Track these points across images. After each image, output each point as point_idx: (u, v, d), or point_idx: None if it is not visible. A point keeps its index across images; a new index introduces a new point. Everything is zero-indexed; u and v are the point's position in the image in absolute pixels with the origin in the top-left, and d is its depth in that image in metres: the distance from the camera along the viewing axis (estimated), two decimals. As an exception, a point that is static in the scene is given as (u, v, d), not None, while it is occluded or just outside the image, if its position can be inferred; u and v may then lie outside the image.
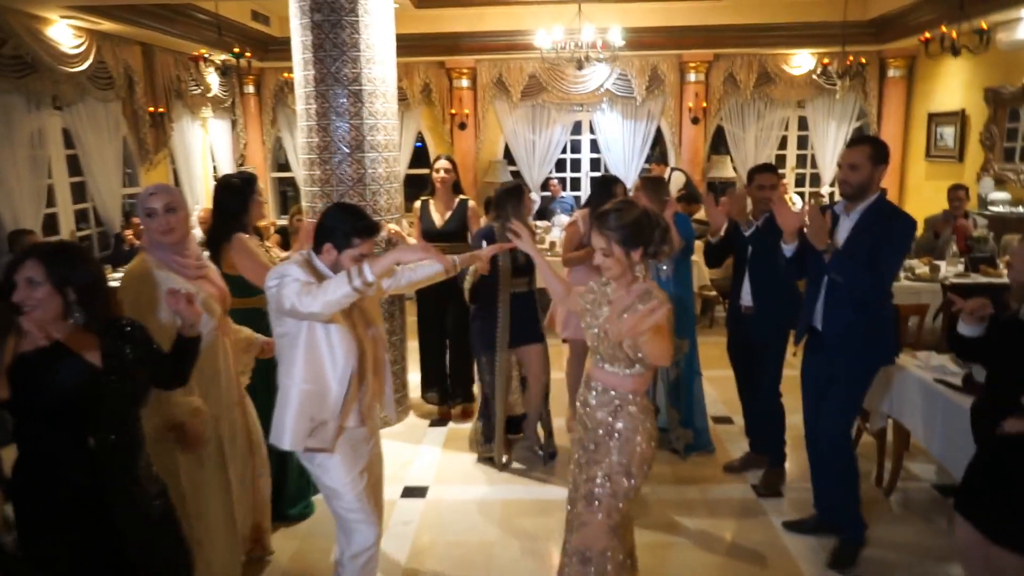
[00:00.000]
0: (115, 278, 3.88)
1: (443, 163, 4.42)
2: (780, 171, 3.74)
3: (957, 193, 5.91)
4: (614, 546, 2.23)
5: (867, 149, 2.77)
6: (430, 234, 4.37)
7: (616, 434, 2.19)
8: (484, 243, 3.40)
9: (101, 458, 1.85)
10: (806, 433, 3.15)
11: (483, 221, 4.32)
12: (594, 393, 2.27)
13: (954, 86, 7.64)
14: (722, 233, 3.61)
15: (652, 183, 3.85)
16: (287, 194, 10.31)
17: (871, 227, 2.76)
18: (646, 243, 2.14)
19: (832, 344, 2.90)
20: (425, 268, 2.71)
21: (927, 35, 5.76)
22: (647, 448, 2.22)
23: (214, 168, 8.79)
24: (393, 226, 4.22)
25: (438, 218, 4.41)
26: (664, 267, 3.78)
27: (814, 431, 3.08)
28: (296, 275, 2.18)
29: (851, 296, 2.78)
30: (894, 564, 2.99)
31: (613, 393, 2.21)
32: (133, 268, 2.43)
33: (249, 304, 2.94)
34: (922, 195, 8.15)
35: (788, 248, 2.95)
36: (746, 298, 3.54)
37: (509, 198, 3.71)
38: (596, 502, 2.21)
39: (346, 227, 2.25)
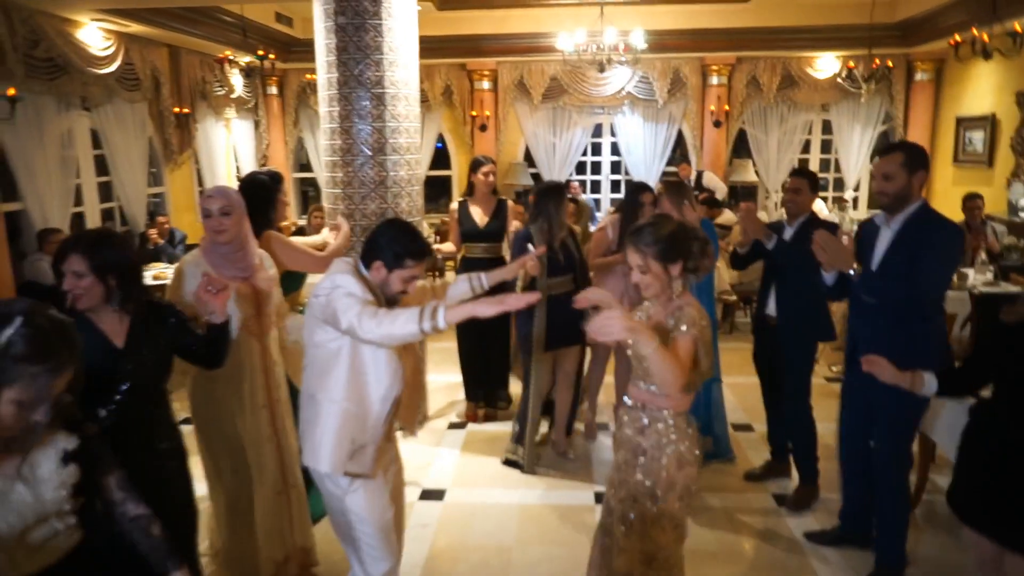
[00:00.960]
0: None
1: (490, 166, 4.46)
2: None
3: (973, 202, 5.95)
4: None
5: (899, 156, 2.67)
6: (472, 234, 4.39)
7: (642, 454, 2.06)
8: (530, 246, 3.37)
9: (113, 431, 1.90)
10: (840, 449, 3.04)
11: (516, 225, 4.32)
12: (626, 410, 2.17)
13: (984, 89, 7.50)
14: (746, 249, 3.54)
15: (674, 188, 3.81)
16: (308, 194, 10.40)
17: (912, 237, 2.64)
18: (685, 257, 2.02)
19: None
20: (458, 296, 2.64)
21: (957, 38, 5.65)
22: (676, 473, 2.03)
23: (237, 168, 8.89)
24: None
25: (480, 219, 4.41)
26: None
27: (852, 447, 2.97)
28: (350, 288, 2.06)
29: (887, 312, 2.65)
30: (919, 578, 2.94)
31: (644, 410, 2.10)
32: (186, 257, 2.63)
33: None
34: (949, 201, 7.99)
35: (828, 277, 2.80)
36: (771, 308, 3.48)
37: (549, 198, 3.68)
38: (628, 525, 2.09)
39: (399, 248, 2.15)
